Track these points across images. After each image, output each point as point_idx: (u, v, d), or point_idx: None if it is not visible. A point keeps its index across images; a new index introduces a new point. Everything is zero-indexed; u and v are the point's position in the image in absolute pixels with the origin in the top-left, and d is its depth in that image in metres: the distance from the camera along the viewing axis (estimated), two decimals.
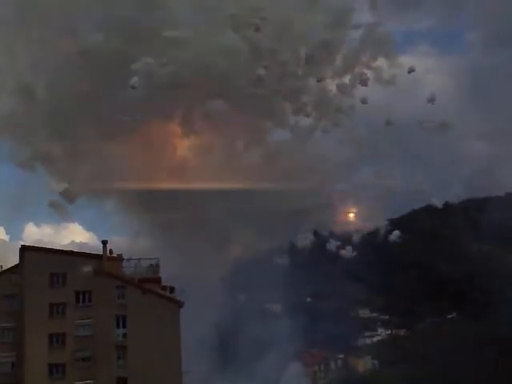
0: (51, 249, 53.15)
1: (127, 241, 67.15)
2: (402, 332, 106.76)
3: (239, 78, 57.85)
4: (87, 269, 49.84)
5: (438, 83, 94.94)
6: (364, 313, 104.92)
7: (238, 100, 59.60)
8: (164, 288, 56.16)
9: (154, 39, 55.31)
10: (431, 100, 62.97)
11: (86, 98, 58.48)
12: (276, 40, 56.74)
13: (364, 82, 61.17)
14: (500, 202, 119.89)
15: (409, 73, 61.01)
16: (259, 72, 56.33)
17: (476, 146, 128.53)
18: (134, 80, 54.26)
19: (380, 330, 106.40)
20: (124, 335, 50.05)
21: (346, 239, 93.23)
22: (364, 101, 61.62)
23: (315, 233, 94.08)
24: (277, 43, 56.79)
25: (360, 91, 61.74)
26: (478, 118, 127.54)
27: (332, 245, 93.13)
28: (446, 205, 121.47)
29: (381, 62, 62.08)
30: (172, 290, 57.05)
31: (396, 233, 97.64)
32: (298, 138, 65.12)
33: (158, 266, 56.06)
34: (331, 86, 62.93)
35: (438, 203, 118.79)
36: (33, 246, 52.82)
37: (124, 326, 50.15)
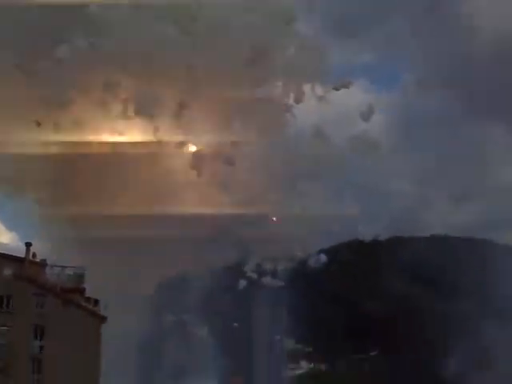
0: None
1: (51, 246, 62.59)
2: (324, 367, 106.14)
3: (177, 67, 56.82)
4: (7, 272, 46.11)
5: (372, 119, 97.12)
6: (289, 343, 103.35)
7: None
8: (88, 300, 52.75)
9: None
10: (366, 116, 64.08)
11: None
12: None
13: (298, 99, 61.61)
14: (425, 242, 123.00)
15: (337, 90, 61.89)
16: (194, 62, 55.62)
17: (405, 184, 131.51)
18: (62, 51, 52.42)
19: (302, 363, 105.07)
20: (41, 348, 46.29)
21: (272, 266, 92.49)
22: (288, 109, 62.00)
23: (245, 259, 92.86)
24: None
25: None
26: (408, 158, 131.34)
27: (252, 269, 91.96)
28: (374, 240, 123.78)
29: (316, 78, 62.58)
30: (96, 302, 53.66)
31: (323, 258, 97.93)
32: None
33: (83, 275, 52.69)
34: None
35: (366, 238, 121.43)
36: None
37: (42, 338, 46.36)
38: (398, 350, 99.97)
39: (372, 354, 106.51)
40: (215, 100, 64.11)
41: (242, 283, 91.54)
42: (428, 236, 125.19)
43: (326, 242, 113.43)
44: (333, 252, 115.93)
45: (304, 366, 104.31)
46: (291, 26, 61.38)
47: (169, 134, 62.20)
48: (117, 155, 64.35)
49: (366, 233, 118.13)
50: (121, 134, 61.44)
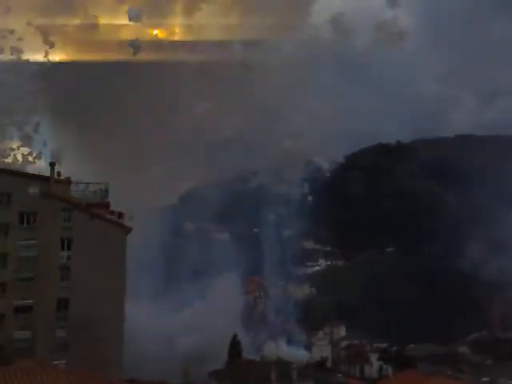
0: None
1: (75, 164, 65.71)
2: (341, 263, 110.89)
3: None
4: (33, 190, 49.34)
5: (399, 20, 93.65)
6: (308, 244, 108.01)
7: None
8: (112, 213, 56.19)
9: None
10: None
11: None
12: None
13: None
14: (449, 143, 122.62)
15: None
16: None
17: (428, 86, 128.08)
18: None
19: (321, 261, 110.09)
20: (68, 257, 50.30)
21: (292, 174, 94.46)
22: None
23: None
24: None
25: None
26: (435, 56, 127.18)
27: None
28: (398, 144, 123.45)
29: None
30: (120, 215, 57.12)
31: (342, 162, 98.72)
32: None
33: (107, 191, 55.86)
34: None
35: (390, 141, 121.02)
36: None
37: (69, 249, 50.33)
38: (414, 245, 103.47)
39: (388, 249, 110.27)
40: None
41: (260, 190, 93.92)
42: (453, 136, 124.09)
43: (349, 147, 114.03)
44: (354, 157, 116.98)
45: (322, 264, 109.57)
46: None
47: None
48: None
49: (390, 134, 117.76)
50: None
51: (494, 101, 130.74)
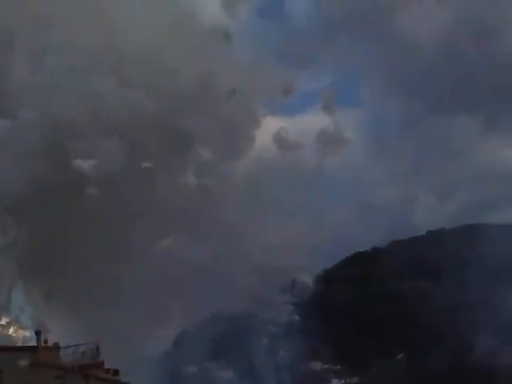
0: None
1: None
2: (355, 379, 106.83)
3: None
4: (22, 362, 47.92)
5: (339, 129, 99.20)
6: (316, 365, 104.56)
7: None
8: (107, 371, 54.60)
9: None
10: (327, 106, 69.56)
11: None
12: None
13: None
14: (422, 239, 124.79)
15: None
16: None
17: (385, 192, 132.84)
18: None
19: (334, 381, 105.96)
20: None
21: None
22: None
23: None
24: None
25: None
26: (382, 167, 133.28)
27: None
28: (374, 249, 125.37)
29: None
30: (116, 372, 55.50)
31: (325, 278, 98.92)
32: None
33: (98, 349, 54.71)
34: None
35: (365, 248, 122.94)
36: None
37: None
38: (421, 346, 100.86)
39: (397, 357, 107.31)
40: None
41: (251, 316, 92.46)
42: (424, 234, 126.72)
43: (327, 262, 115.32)
44: (334, 269, 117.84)
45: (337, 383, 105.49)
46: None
47: None
48: None
49: (364, 243, 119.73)
50: None
51: (451, 195, 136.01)
